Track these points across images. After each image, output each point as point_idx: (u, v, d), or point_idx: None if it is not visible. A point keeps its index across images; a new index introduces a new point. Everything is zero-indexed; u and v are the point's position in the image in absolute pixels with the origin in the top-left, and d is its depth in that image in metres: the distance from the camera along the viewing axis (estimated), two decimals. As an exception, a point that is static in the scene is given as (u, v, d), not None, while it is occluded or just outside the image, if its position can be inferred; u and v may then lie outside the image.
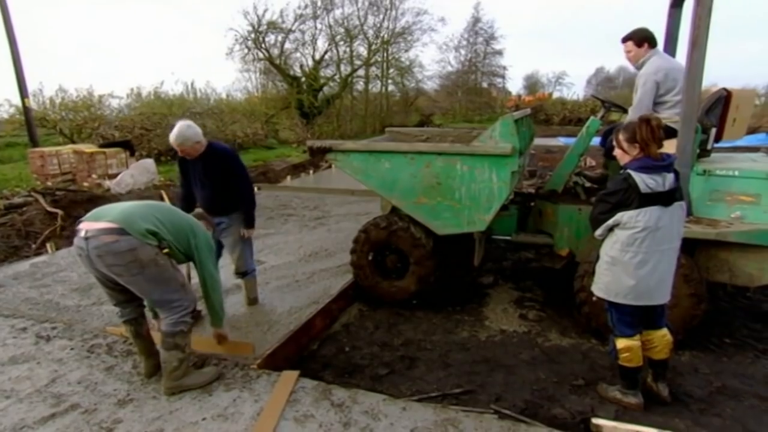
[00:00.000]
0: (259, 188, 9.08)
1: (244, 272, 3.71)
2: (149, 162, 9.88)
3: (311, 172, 11.64)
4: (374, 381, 3.07)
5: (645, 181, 2.39)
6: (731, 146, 4.58)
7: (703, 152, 3.44)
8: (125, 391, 2.69)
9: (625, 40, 3.60)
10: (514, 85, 46.33)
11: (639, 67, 3.54)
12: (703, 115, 3.29)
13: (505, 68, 36.71)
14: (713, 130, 3.38)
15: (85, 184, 8.91)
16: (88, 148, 10.06)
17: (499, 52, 35.95)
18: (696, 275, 3.08)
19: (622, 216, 2.46)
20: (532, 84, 40.03)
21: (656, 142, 2.39)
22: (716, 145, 3.48)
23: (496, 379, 3.05)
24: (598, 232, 2.61)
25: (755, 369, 3.12)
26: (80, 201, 7.38)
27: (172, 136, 3.29)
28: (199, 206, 3.48)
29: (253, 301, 3.81)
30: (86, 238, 2.43)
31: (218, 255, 3.55)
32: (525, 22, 77.13)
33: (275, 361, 3.04)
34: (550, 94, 34.38)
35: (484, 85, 36.36)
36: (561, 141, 16.27)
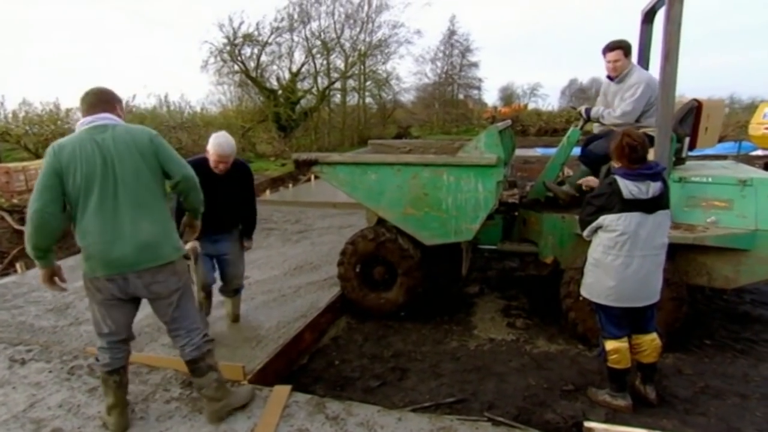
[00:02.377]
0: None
1: (238, 289, 3.66)
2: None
3: (291, 185, 11.57)
4: (366, 393, 3.05)
5: (628, 187, 2.48)
6: (700, 154, 4.78)
7: (679, 160, 3.58)
8: (110, 413, 2.59)
9: (612, 48, 3.58)
10: (490, 96, 47.32)
11: (621, 78, 3.60)
12: (677, 125, 3.44)
13: (480, 80, 37.43)
14: (687, 139, 3.53)
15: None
16: (58, 163, 9.79)
17: (475, 64, 36.68)
18: (677, 279, 3.19)
19: (604, 219, 2.56)
20: (508, 95, 40.83)
21: (626, 158, 2.50)
22: (690, 154, 3.63)
23: (488, 387, 3.07)
24: (585, 233, 2.71)
25: (734, 368, 3.22)
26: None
27: (225, 147, 3.04)
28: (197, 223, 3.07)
29: (236, 318, 3.74)
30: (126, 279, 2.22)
31: (211, 278, 3.42)
32: (499, 34, 79.25)
33: (266, 377, 2.98)
34: (526, 106, 35.12)
35: (461, 96, 36.95)
36: (538, 151, 16.64)
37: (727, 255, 3.21)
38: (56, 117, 14.04)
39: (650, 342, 2.75)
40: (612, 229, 2.54)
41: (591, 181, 2.98)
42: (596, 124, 3.94)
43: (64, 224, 2.18)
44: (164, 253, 2.25)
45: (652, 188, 2.50)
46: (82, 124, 2.19)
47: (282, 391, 2.75)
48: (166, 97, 19.26)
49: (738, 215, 3.17)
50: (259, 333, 3.49)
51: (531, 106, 35.72)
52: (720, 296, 4.18)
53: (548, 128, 26.06)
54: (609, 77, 3.72)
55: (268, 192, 10.56)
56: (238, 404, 2.57)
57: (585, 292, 2.75)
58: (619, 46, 3.57)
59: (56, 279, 2.33)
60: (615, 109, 3.58)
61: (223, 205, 3.21)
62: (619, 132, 2.60)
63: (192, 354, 2.39)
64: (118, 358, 2.42)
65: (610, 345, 2.69)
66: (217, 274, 3.51)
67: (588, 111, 3.79)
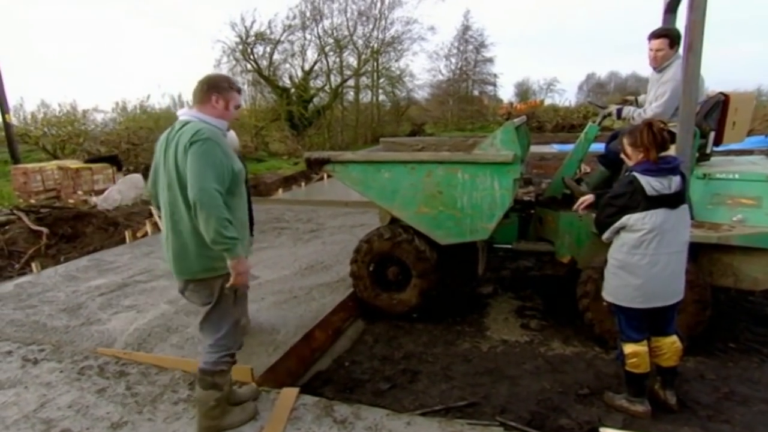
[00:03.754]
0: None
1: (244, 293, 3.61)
2: (137, 177, 9.76)
3: (303, 184, 11.57)
4: (376, 396, 2.99)
5: (651, 184, 2.37)
6: (726, 150, 4.60)
7: (703, 156, 3.43)
8: (119, 414, 2.58)
9: (657, 36, 3.32)
10: (506, 92, 46.61)
11: (661, 68, 3.37)
12: (701, 119, 3.29)
13: (496, 76, 37.04)
14: (712, 134, 3.38)
15: (71, 200, 8.77)
16: (73, 164, 9.93)
17: (490, 60, 36.27)
18: (701, 281, 3.06)
19: (628, 219, 2.44)
20: (524, 91, 40.28)
21: (657, 146, 2.39)
22: (715, 149, 3.48)
23: (500, 391, 2.98)
24: (606, 235, 2.59)
25: (762, 374, 3.08)
26: (65, 218, 7.24)
27: (235, 142, 3.13)
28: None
29: (245, 327, 3.68)
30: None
31: None
32: (514, 29, 78.15)
33: (277, 377, 2.94)
34: (542, 101, 34.49)
35: (476, 93, 36.59)
36: (555, 148, 16.33)
37: (755, 255, 3.06)
38: (73, 118, 14.29)
39: (671, 345, 2.63)
40: (638, 229, 2.43)
41: (588, 199, 2.86)
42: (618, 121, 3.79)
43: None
44: (194, 268, 2.19)
45: (674, 182, 2.40)
46: (178, 115, 2.21)
47: (289, 393, 2.70)
48: (179, 96, 19.49)
49: (767, 213, 3.02)
50: (276, 338, 3.41)
51: (547, 101, 35.15)
52: (746, 298, 4.02)
53: (565, 124, 25.59)
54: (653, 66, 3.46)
55: (280, 191, 10.58)
56: (234, 426, 2.42)
57: (609, 296, 2.62)
58: (665, 35, 3.30)
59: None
60: (646, 109, 3.40)
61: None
62: (636, 126, 2.48)
63: (205, 365, 2.32)
64: None
65: (629, 348, 2.59)
66: None
67: (620, 111, 3.60)
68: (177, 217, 2.15)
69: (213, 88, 2.18)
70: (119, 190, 8.98)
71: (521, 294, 4.44)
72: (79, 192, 9.33)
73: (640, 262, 2.45)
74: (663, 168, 2.40)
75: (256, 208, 8.35)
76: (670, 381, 2.71)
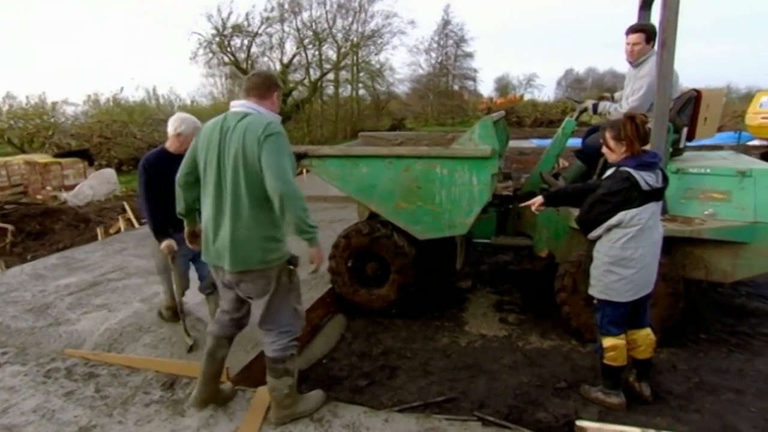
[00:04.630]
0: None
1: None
2: (109, 172, 9.49)
3: (282, 178, 11.42)
4: (354, 393, 2.96)
5: (645, 179, 2.40)
6: (697, 145, 4.70)
7: (676, 151, 3.49)
8: (87, 417, 2.49)
9: (634, 30, 3.35)
10: (486, 87, 46.95)
11: (638, 63, 3.40)
12: (675, 115, 3.34)
13: (476, 71, 37.13)
14: (685, 130, 3.43)
15: (39, 196, 8.48)
16: (41, 158, 9.59)
17: (470, 55, 36.35)
18: (674, 274, 3.11)
19: (625, 215, 2.44)
20: (503, 86, 40.54)
21: (640, 139, 2.40)
22: (687, 144, 3.54)
23: (479, 386, 2.99)
24: (596, 233, 2.55)
25: (730, 363, 3.17)
26: (33, 215, 7.00)
27: (191, 126, 2.99)
28: (164, 227, 3.03)
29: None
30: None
31: (187, 283, 3.35)
32: (494, 24, 78.59)
33: (253, 375, 2.88)
34: (522, 96, 34.85)
35: (456, 87, 36.69)
36: (534, 143, 16.52)
37: (724, 248, 3.13)
38: (42, 111, 13.78)
39: (645, 337, 2.68)
40: (635, 224, 2.44)
41: (538, 200, 2.89)
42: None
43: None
44: (252, 259, 2.17)
45: (659, 176, 2.45)
46: (231, 106, 2.20)
47: (266, 392, 2.65)
48: (154, 89, 19.01)
49: (736, 207, 3.10)
50: (255, 336, 3.33)
51: (527, 96, 35.51)
52: (715, 289, 4.12)
53: (544, 119, 25.89)
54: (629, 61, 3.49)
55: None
56: (306, 413, 2.46)
57: (601, 294, 2.60)
58: (642, 30, 3.34)
59: (193, 237, 2.49)
60: (622, 104, 3.43)
61: None
62: (619, 119, 2.49)
63: (275, 353, 2.33)
64: (219, 330, 2.47)
65: (608, 342, 2.61)
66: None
67: (596, 106, 3.64)
68: (239, 207, 2.12)
69: (275, 85, 2.25)
70: (91, 186, 8.72)
71: (500, 288, 4.47)
72: (48, 187, 9.01)
73: (634, 254, 2.47)
74: (651, 162, 2.42)
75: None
76: (644, 373, 2.76)
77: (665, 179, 2.49)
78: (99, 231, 6.35)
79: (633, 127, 2.40)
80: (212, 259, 2.25)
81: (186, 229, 2.47)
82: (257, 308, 2.33)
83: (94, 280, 4.56)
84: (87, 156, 10.33)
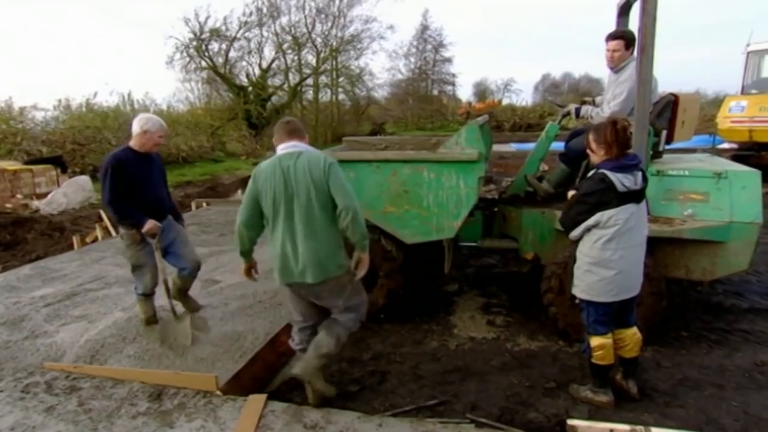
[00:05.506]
0: (207, 204, 8.69)
1: (199, 264, 3.71)
2: (84, 179, 9.22)
3: (263, 183, 11.29)
4: (345, 399, 2.93)
5: (621, 181, 2.45)
6: (673, 148, 4.85)
7: (656, 154, 3.59)
8: (70, 433, 2.40)
9: (614, 37, 3.44)
10: (464, 92, 47.49)
11: (618, 69, 3.48)
12: (654, 119, 3.44)
13: (454, 75, 37.63)
14: (664, 133, 3.53)
15: (8, 205, 8.17)
16: (10, 165, 9.26)
17: (449, 60, 36.81)
18: (657, 273, 3.19)
19: (602, 216, 2.50)
20: (482, 91, 41.15)
21: (619, 144, 2.46)
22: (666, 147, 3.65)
23: (470, 388, 3.00)
24: (576, 233, 2.63)
25: (710, 359, 3.26)
26: (4, 224, 6.74)
27: (157, 124, 3.26)
28: (142, 214, 3.28)
29: (186, 293, 3.78)
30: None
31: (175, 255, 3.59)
32: (472, 29, 79.82)
33: (242, 384, 2.83)
34: (500, 101, 35.39)
35: (435, 92, 37.04)
36: (513, 147, 16.76)
37: (704, 248, 3.23)
38: (8, 116, 13.30)
39: (632, 336, 2.73)
40: (612, 225, 2.49)
41: None
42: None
43: (261, 232, 2.66)
44: (329, 270, 2.55)
45: (638, 178, 2.50)
46: (280, 149, 2.55)
47: (257, 400, 2.61)
48: (129, 94, 18.60)
49: (714, 208, 3.20)
50: (243, 345, 3.31)
51: (505, 101, 36.09)
52: (694, 288, 4.24)
53: (523, 123, 26.36)
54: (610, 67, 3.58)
55: (239, 192, 10.31)
56: (319, 391, 2.68)
57: (583, 293, 2.66)
58: (621, 36, 3.43)
59: (252, 271, 2.83)
60: (604, 108, 3.52)
61: (157, 189, 3.46)
62: (602, 123, 2.55)
63: (341, 320, 2.71)
64: (305, 340, 2.78)
65: (596, 341, 2.66)
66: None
67: (578, 110, 3.72)
68: (314, 226, 2.49)
69: (305, 130, 2.70)
70: (65, 193, 8.47)
71: (486, 291, 4.51)
72: (18, 195, 8.70)
73: (613, 256, 2.52)
74: (629, 164, 2.48)
75: (215, 210, 8.13)
76: (632, 371, 2.82)
77: (645, 181, 2.55)
78: (75, 240, 6.16)
79: (613, 132, 2.46)
80: (295, 278, 2.55)
81: (245, 266, 2.77)
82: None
83: (71, 290, 4.42)
84: (60, 163, 10.01)
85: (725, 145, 9.27)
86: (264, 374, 3.12)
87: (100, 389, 2.76)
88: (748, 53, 9.25)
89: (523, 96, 51.04)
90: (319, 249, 2.50)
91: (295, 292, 2.68)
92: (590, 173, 2.63)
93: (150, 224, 3.25)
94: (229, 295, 4.23)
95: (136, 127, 3.25)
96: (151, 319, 3.62)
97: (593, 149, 2.58)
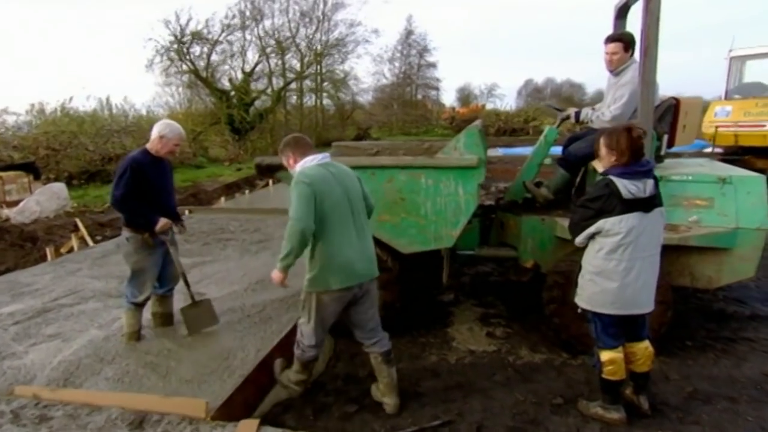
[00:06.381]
0: (190, 211, 8.40)
1: (174, 286, 3.67)
2: (58, 186, 8.83)
3: (247, 191, 11.03)
4: (343, 420, 2.76)
5: (627, 187, 2.33)
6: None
7: (657, 158, 3.50)
8: (39, 469, 2.17)
9: (613, 39, 3.35)
10: (448, 97, 47.70)
11: (618, 72, 3.40)
12: (656, 123, 3.35)
13: (438, 80, 37.78)
14: (665, 137, 3.45)
15: (-25, 213, 7.77)
16: (-22, 172, 8.82)
17: (433, 65, 36.96)
18: (663, 282, 3.07)
19: (604, 223, 2.38)
20: (465, 96, 41.40)
21: (632, 152, 2.35)
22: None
23: (474, 406, 2.85)
24: (579, 239, 2.52)
25: (719, 370, 3.17)
26: (-29, 234, 6.37)
27: (176, 131, 3.30)
28: (154, 213, 3.27)
29: (170, 317, 3.69)
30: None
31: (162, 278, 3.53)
32: (455, 34, 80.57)
33: (234, 409, 2.62)
34: (484, 106, 35.62)
35: (419, 97, 37.10)
36: (500, 151, 16.78)
37: (709, 254, 3.14)
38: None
39: (644, 350, 2.62)
40: (615, 233, 2.37)
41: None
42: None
43: None
44: (377, 264, 2.79)
45: (649, 186, 2.39)
46: (313, 160, 2.62)
47: (249, 426, 2.42)
48: (107, 99, 18.08)
49: (719, 213, 3.11)
50: (232, 364, 3.10)
51: (489, 106, 36.35)
52: (695, 294, 4.18)
53: (507, 128, 26.52)
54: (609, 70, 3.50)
55: (222, 199, 10.02)
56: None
57: (585, 303, 2.56)
58: (620, 39, 3.34)
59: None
60: (605, 112, 3.42)
61: (170, 195, 3.52)
62: (618, 128, 2.44)
63: (388, 344, 2.83)
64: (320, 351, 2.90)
65: (606, 356, 2.53)
66: None
67: (578, 114, 3.64)
68: (365, 224, 2.71)
69: None
70: (38, 201, 8.08)
71: (483, 301, 4.37)
72: (-12, 204, 8.29)
73: (617, 267, 2.40)
74: (638, 171, 2.37)
75: (198, 219, 7.85)
76: (643, 386, 2.70)
77: (657, 188, 2.44)
78: (48, 251, 5.83)
79: (628, 139, 2.35)
80: (362, 277, 2.65)
81: (285, 275, 2.62)
82: (364, 317, 2.83)
83: (43, 306, 4.14)
84: (33, 169, 9.57)
85: (709, 149, 9.37)
86: (255, 397, 2.91)
87: (74, 418, 2.52)
88: (731, 59, 9.37)
89: (507, 101, 51.52)
90: (372, 244, 2.74)
91: (343, 299, 2.65)
92: (597, 178, 2.52)
93: (163, 221, 3.26)
94: (216, 310, 3.99)
95: (154, 131, 3.29)
96: (136, 335, 3.41)
97: (603, 155, 2.46)
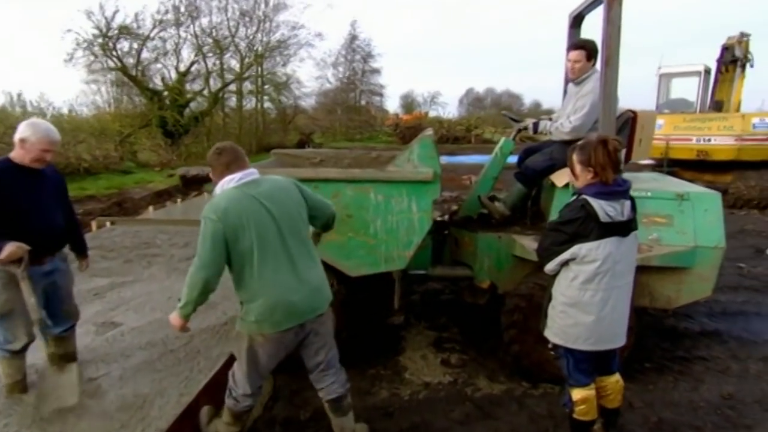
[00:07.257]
0: (112, 223, 7.54)
1: (75, 321, 3.02)
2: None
3: (179, 200, 10.15)
4: (282, 479, 2.33)
5: (604, 209, 2.10)
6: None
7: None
8: None
9: (576, 47, 3.23)
10: (392, 103, 47.97)
11: (579, 81, 3.26)
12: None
13: (383, 87, 37.80)
14: (623, 151, 3.32)
15: None
16: None
17: (377, 71, 36.93)
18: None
19: (579, 249, 2.13)
20: (409, 103, 41.77)
21: (613, 166, 2.13)
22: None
23: (431, 451, 2.52)
24: (550, 266, 2.26)
25: (679, 395, 3.05)
26: None
27: (53, 131, 2.62)
28: (22, 244, 2.46)
29: (72, 356, 3.01)
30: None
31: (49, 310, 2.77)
32: (400, 42, 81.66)
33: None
34: (427, 113, 36.04)
35: (363, 103, 36.91)
36: (444, 160, 16.78)
37: (668, 274, 3.03)
38: None
39: (615, 384, 2.42)
40: (591, 260, 2.13)
41: None
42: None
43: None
44: (328, 295, 2.34)
45: (626, 207, 2.17)
46: (231, 181, 2.16)
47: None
48: (19, 95, 16.30)
49: (678, 231, 3.01)
50: (149, 415, 2.59)
51: (432, 113, 36.85)
52: (646, 311, 4.11)
53: (449, 136, 26.85)
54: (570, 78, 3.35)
55: (151, 209, 9.12)
56: None
57: (556, 337, 2.30)
58: (583, 47, 3.20)
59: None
60: (564, 123, 3.25)
61: (50, 213, 2.69)
62: (591, 141, 2.21)
63: (339, 390, 2.38)
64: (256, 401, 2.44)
65: (578, 394, 2.30)
66: None
67: (536, 125, 3.45)
68: (309, 247, 2.31)
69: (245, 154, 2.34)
70: None
71: (436, 323, 4.07)
72: None
73: (593, 299, 2.16)
74: (616, 191, 2.15)
75: (121, 231, 7.05)
76: (613, 422, 2.50)
77: (634, 211, 2.25)
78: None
79: (605, 154, 2.13)
80: (304, 314, 2.20)
81: (185, 323, 2.22)
82: (314, 357, 2.37)
83: None
84: None
85: (643, 162, 9.82)
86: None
87: None
88: (660, 75, 9.89)
89: (449, 109, 52.59)
90: (318, 272, 2.30)
91: (281, 340, 2.21)
92: (571, 198, 2.28)
93: (11, 248, 2.41)
94: (131, 344, 3.43)
95: (16, 134, 2.59)
96: (18, 386, 2.77)
97: (577, 172, 2.23)
